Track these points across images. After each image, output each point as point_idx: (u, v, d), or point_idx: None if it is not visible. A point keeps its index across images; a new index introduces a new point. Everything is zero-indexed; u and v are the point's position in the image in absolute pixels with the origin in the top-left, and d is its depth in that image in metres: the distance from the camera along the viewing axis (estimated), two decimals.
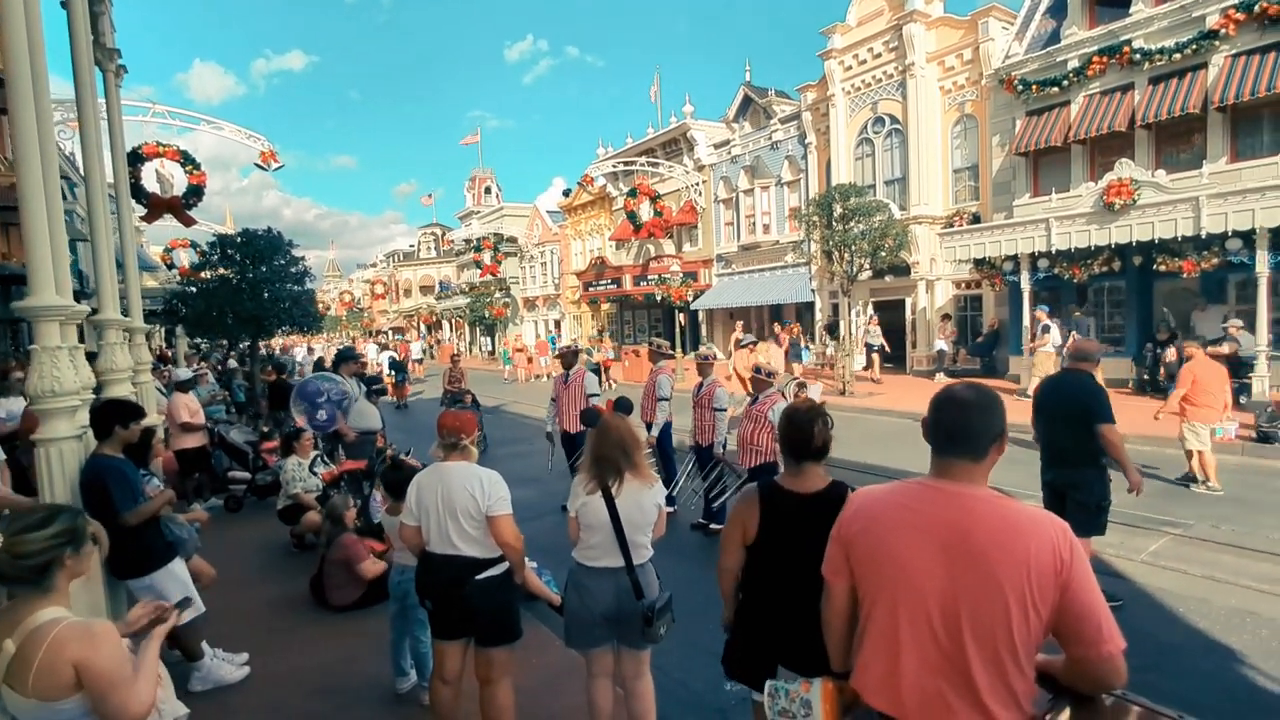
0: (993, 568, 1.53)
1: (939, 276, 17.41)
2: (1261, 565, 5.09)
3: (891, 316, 18.38)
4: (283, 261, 12.32)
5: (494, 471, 3.02)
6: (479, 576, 2.92)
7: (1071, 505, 4.35)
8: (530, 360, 25.43)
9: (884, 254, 15.12)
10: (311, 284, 13.05)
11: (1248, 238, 10.70)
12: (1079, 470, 4.39)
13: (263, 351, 17.60)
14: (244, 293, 11.71)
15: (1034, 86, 15.04)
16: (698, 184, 24.88)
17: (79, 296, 9.25)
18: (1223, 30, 12.32)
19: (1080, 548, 1.58)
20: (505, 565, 3.02)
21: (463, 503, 2.89)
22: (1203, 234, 10.95)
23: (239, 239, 12.33)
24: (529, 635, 4.37)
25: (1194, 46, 12.67)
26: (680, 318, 21.81)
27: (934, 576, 1.59)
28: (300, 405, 6.47)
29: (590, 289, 28.47)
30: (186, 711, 2.33)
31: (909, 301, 18.18)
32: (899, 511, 1.69)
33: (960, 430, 1.66)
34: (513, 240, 38.28)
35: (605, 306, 30.42)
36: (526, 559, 5.10)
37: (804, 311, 21.77)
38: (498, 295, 36.94)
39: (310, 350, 29.05)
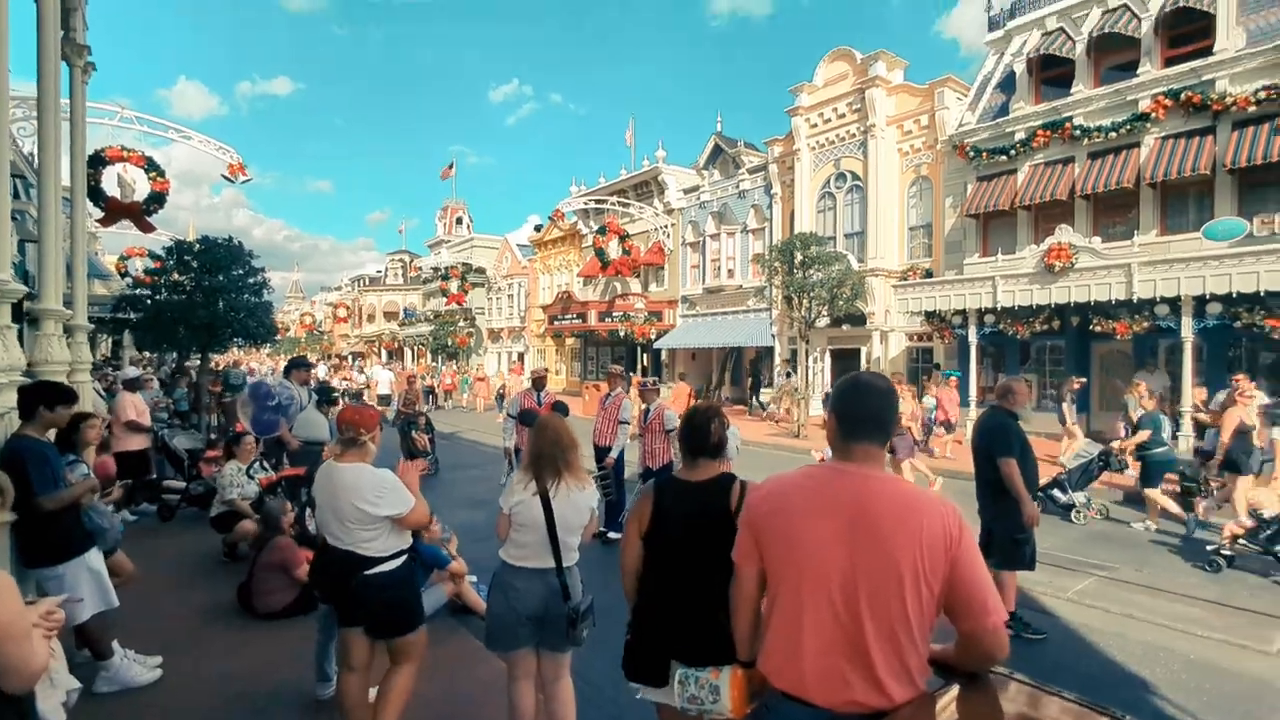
0: (890, 544, 1.62)
1: (893, 328, 18.00)
2: (1175, 606, 5.32)
3: (847, 365, 18.89)
4: (241, 271, 12.13)
5: (384, 471, 3.04)
6: (368, 572, 2.96)
7: (994, 538, 4.55)
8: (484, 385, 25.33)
9: (841, 302, 15.67)
10: (270, 295, 12.83)
11: (1174, 304, 11.44)
12: (995, 502, 4.60)
13: (214, 365, 17.07)
14: (198, 302, 11.45)
15: (984, 154, 15.98)
16: (666, 226, 25.42)
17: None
18: (1153, 114, 13.37)
19: (969, 528, 1.69)
20: (397, 563, 3.06)
21: (348, 509, 2.94)
22: (1134, 298, 11.68)
23: (198, 246, 12.12)
24: (461, 648, 4.31)
25: (1128, 127, 13.70)
26: (643, 356, 21.98)
27: (837, 555, 1.67)
28: (248, 405, 6.35)
29: (555, 322, 28.52)
30: (79, 686, 2.24)
31: (864, 350, 18.72)
32: (806, 494, 1.78)
33: (871, 415, 1.78)
34: (481, 271, 38.31)
35: (569, 340, 30.48)
36: (469, 576, 5.07)
37: (764, 355, 22.18)
38: (462, 324, 36.72)
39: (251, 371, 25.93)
